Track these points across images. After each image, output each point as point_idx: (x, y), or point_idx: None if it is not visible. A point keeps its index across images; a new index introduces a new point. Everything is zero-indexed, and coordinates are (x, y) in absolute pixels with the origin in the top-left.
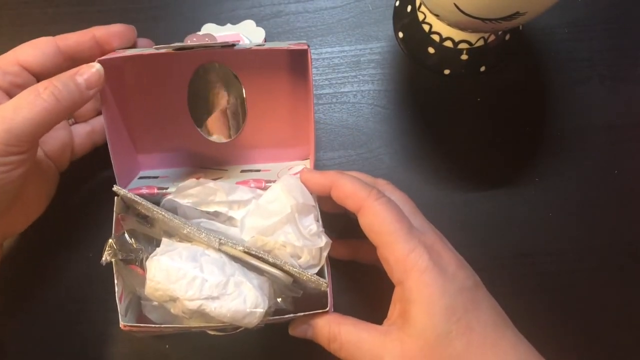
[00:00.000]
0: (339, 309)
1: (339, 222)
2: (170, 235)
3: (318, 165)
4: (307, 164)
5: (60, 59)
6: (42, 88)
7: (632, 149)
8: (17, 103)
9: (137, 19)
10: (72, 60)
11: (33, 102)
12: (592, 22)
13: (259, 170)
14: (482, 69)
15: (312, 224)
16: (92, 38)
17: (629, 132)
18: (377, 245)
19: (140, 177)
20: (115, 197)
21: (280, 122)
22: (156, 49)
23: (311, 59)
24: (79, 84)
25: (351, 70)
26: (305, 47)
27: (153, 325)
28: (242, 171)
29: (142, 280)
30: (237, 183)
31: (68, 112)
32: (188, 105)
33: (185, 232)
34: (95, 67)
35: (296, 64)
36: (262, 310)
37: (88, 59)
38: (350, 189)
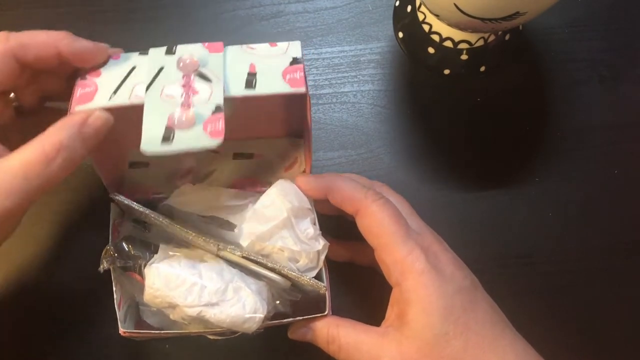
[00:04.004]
0: (337, 310)
1: (336, 224)
2: (167, 240)
3: (318, 166)
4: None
5: (19, 70)
6: (54, 152)
7: (632, 149)
8: (27, 169)
9: (136, 19)
10: (32, 71)
11: (43, 172)
12: (592, 22)
13: (251, 155)
14: (482, 69)
15: (309, 227)
16: (56, 55)
17: (629, 132)
18: (374, 247)
19: (131, 166)
20: (112, 204)
21: (275, 125)
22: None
23: (310, 102)
24: (86, 140)
25: (351, 70)
26: (303, 89)
27: (152, 332)
28: (235, 155)
29: (141, 287)
30: (233, 183)
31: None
32: None
33: (182, 237)
34: (102, 119)
35: (294, 103)
36: (261, 315)
37: (50, 73)
38: (347, 192)
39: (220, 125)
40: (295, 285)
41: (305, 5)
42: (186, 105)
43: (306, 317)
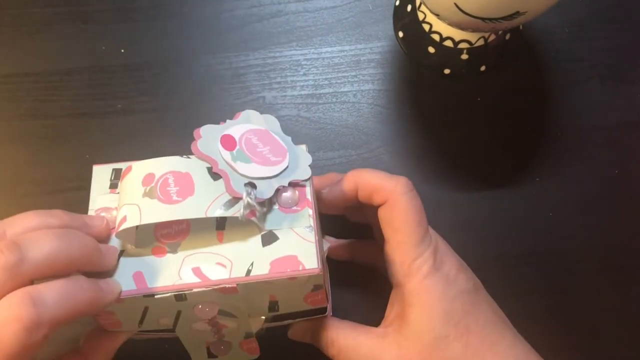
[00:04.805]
0: (337, 308)
1: (336, 223)
2: None
3: (318, 166)
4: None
5: None
6: None
7: (632, 149)
8: None
9: (135, 19)
10: None
11: None
12: (592, 22)
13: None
14: (482, 68)
15: None
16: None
17: (629, 132)
18: (387, 240)
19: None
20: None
21: None
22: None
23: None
24: None
25: (351, 70)
26: (326, 305)
27: (152, 334)
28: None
29: None
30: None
31: None
32: None
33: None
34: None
35: None
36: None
37: None
38: (377, 182)
39: (254, 344)
40: None
41: (305, 5)
42: (218, 336)
43: (306, 318)
